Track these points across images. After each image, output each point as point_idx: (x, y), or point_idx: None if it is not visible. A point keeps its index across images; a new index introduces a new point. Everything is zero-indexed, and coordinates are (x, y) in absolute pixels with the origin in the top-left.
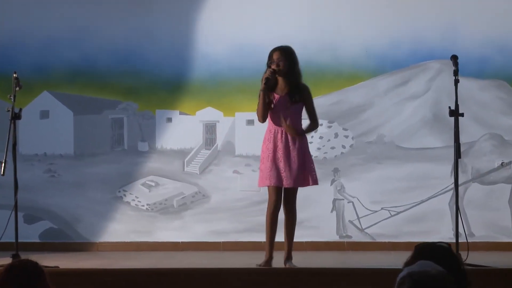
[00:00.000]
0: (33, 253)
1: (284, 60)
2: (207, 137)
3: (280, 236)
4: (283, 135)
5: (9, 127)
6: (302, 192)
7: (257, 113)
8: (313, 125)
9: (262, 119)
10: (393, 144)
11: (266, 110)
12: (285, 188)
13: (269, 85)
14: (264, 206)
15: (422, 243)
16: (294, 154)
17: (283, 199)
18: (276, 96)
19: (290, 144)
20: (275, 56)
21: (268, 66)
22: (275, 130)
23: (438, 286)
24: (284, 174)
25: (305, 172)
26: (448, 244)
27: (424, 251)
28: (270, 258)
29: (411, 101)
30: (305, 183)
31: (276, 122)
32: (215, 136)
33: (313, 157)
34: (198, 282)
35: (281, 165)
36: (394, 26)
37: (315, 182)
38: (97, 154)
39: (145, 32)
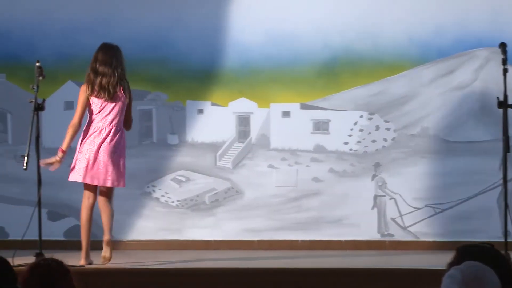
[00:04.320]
0: (58, 251)
1: None
2: (240, 130)
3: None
4: None
5: (32, 119)
6: (341, 188)
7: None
8: None
9: None
10: (438, 137)
11: None
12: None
13: None
14: (301, 203)
15: (464, 244)
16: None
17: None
18: None
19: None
20: None
21: None
22: None
23: None
24: None
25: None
26: (491, 244)
27: (468, 253)
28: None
29: (457, 92)
30: None
31: None
32: (249, 129)
33: (352, 151)
34: (230, 282)
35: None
36: (439, 12)
37: None
38: None
39: (174, 19)
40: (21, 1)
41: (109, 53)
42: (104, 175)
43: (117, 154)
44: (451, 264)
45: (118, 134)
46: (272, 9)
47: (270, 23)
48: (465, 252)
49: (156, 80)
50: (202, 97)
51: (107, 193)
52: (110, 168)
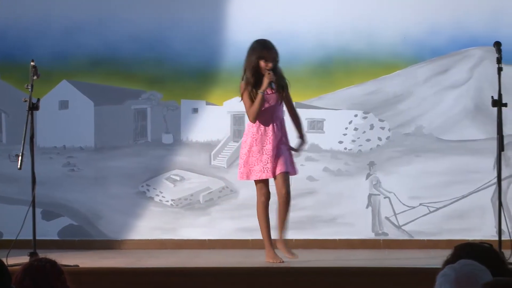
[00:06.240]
0: (52, 251)
1: (276, 60)
2: (235, 129)
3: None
4: (274, 129)
5: (26, 118)
6: (335, 187)
7: (252, 113)
8: (298, 114)
9: (255, 120)
10: (432, 136)
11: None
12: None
13: (273, 89)
14: (295, 202)
15: (462, 243)
16: (282, 144)
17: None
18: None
19: (278, 136)
20: (272, 55)
21: (260, 61)
22: (265, 125)
23: None
24: (280, 161)
25: (292, 160)
26: (490, 244)
27: (465, 251)
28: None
29: (452, 91)
30: (293, 172)
31: (264, 119)
32: (244, 128)
33: (347, 150)
34: (225, 282)
35: (271, 156)
36: (434, 11)
37: (296, 172)
38: (119, 147)
39: (171, 18)
40: (16, 0)
41: None
42: None
43: None
44: (447, 262)
45: None
46: (268, 9)
47: (265, 23)
48: (463, 250)
49: (151, 79)
50: (197, 96)
51: None
52: None
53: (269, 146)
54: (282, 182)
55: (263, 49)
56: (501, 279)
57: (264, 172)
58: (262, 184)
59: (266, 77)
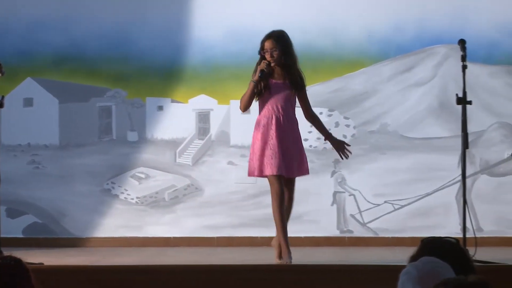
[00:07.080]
0: (16, 249)
1: (278, 49)
2: (200, 127)
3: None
4: (278, 122)
5: None
6: (300, 184)
7: (241, 101)
8: (315, 115)
9: (245, 109)
10: (397, 134)
11: (251, 100)
12: (286, 178)
13: (263, 78)
14: (261, 199)
15: (429, 237)
16: (289, 141)
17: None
18: (274, 82)
19: (284, 132)
20: (268, 45)
21: (261, 55)
22: (269, 117)
23: None
24: (285, 163)
25: (301, 160)
26: (456, 239)
27: (431, 245)
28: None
29: (416, 88)
30: (300, 172)
31: (266, 112)
32: (209, 125)
33: (312, 148)
34: (190, 279)
35: (280, 153)
36: (399, 9)
37: (307, 171)
38: (84, 145)
39: (136, 16)
40: None
41: None
42: None
43: None
44: (414, 257)
45: None
46: (232, 7)
47: (231, 20)
48: (429, 245)
49: (116, 77)
50: (162, 94)
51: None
52: None
53: (273, 141)
54: (285, 187)
55: (262, 41)
56: (452, 278)
57: (268, 167)
58: (273, 179)
59: (259, 66)
